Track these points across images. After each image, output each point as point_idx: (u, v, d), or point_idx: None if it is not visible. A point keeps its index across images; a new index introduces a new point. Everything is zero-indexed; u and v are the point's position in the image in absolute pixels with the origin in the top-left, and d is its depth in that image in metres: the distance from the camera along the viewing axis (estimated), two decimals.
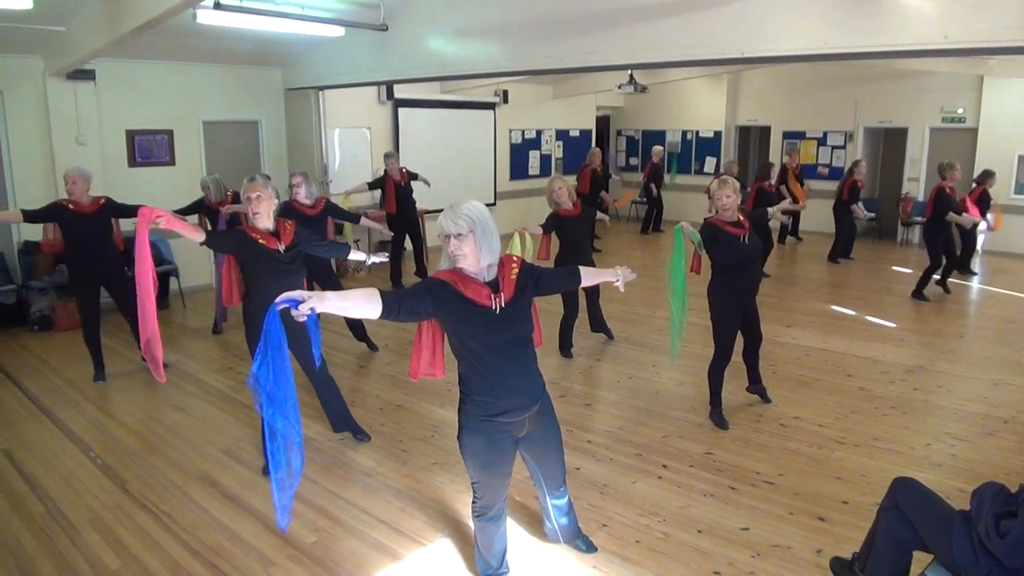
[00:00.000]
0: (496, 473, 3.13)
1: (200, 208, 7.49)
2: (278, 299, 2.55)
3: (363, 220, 7.02)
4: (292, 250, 4.50)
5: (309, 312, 2.53)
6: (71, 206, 5.95)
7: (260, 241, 4.39)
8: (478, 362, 2.94)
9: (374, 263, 5.10)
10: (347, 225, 8.15)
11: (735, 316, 5.25)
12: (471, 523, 3.90)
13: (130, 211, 6.07)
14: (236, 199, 7.06)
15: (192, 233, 4.47)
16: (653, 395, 5.94)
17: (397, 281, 9.65)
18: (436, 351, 3.12)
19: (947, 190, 8.52)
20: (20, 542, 3.86)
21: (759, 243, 5.29)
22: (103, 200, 6.12)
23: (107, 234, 6.17)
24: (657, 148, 14.41)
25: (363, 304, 2.71)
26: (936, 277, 8.97)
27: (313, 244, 4.68)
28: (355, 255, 5.05)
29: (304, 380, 6.03)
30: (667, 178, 14.88)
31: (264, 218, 4.45)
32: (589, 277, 3.47)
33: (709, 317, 5.32)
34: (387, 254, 5.50)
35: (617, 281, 3.44)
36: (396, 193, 9.32)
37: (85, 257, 6.07)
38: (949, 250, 8.89)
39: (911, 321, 7.97)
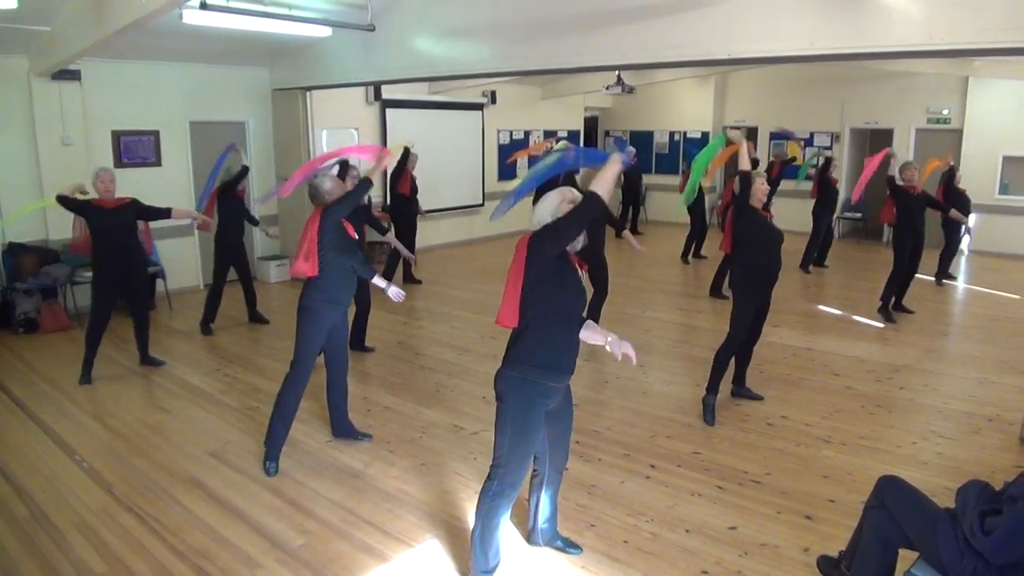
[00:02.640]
0: (531, 441, 3.22)
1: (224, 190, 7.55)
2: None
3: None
4: None
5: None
6: (93, 203, 6.04)
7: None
8: (561, 319, 3.16)
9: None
10: None
11: (754, 302, 5.36)
12: (468, 529, 3.90)
13: (160, 213, 6.31)
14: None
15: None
16: (641, 395, 5.95)
17: (389, 280, 9.59)
18: (516, 302, 3.16)
19: (903, 187, 8.03)
20: (4, 545, 3.83)
21: (781, 231, 5.44)
22: (128, 200, 6.20)
23: (132, 232, 6.26)
24: (630, 148, 14.42)
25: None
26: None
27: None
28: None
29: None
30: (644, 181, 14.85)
31: None
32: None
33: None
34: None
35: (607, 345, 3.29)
36: (408, 187, 9.39)
37: (112, 255, 6.13)
38: (915, 253, 8.18)
39: (899, 320, 8.01)
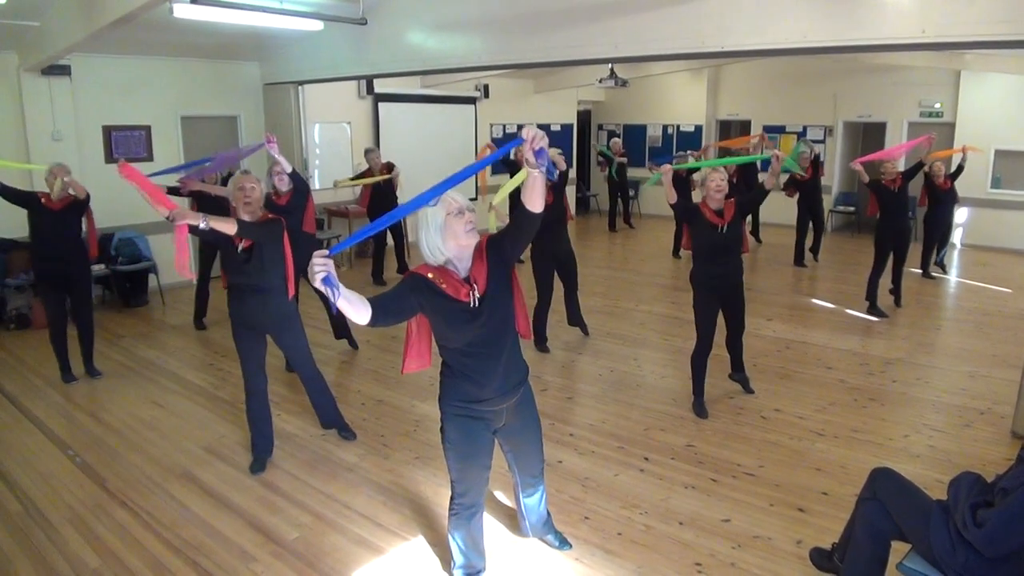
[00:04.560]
0: (475, 464, 3.11)
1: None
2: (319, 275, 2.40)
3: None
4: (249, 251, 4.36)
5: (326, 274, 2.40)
6: (42, 200, 5.89)
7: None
8: (460, 353, 2.93)
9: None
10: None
11: (711, 304, 5.32)
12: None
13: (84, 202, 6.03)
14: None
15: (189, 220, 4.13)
16: (635, 388, 5.96)
17: (379, 277, 9.62)
18: (423, 343, 3.06)
19: (882, 182, 7.91)
20: None
21: (738, 236, 5.32)
22: (70, 198, 6.00)
23: (75, 234, 6.08)
24: (615, 140, 14.43)
25: (360, 308, 2.61)
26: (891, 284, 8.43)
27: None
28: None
29: (286, 376, 6.05)
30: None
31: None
32: (532, 194, 2.72)
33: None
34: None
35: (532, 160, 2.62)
36: (375, 188, 9.28)
37: (50, 256, 5.99)
38: (899, 251, 8.13)
39: (890, 314, 8.03)
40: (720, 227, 5.12)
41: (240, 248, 4.33)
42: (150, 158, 9.10)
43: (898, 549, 3.02)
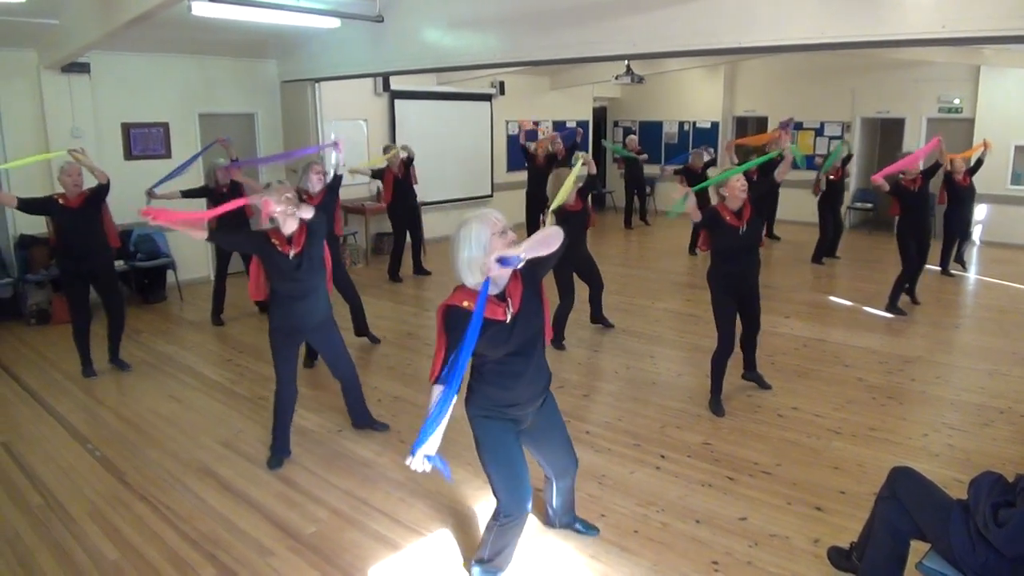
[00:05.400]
0: (512, 466, 3.11)
1: (205, 193, 7.46)
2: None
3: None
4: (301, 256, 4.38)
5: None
6: (60, 200, 5.94)
7: (276, 244, 4.35)
8: (494, 363, 3.00)
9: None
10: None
11: (729, 303, 5.31)
12: (478, 518, 3.92)
13: (102, 188, 6.08)
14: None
15: (194, 230, 4.32)
16: (651, 385, 5.95)
17: (395, 275, 9.65)
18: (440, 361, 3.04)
19: (902, 184, 7.84)
20: (19, 534, 3.87)
21: (758, 234, 5.31)
22: (87, 192, 6.05)
23: (97, 228, 6.12)
24: (631, 137, 14.38)
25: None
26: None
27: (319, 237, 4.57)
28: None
29: (305, 373, 6.07)
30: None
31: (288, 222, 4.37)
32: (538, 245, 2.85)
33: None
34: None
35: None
36: (395, 185, 9.32)
37: (76, 254, 6.04)
38: (921, 250, 8.02)
39: (909, 312, 7.98)
40: (740, 228, 5.15)
41: (292, 255, 4.34)
42: (168, 155, 9.16)
43: (917, 548, 3.00)
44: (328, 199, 6.36)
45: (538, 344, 3.07)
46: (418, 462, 2.62)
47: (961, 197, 9.20)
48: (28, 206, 5.89)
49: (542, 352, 3.13)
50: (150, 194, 7.02)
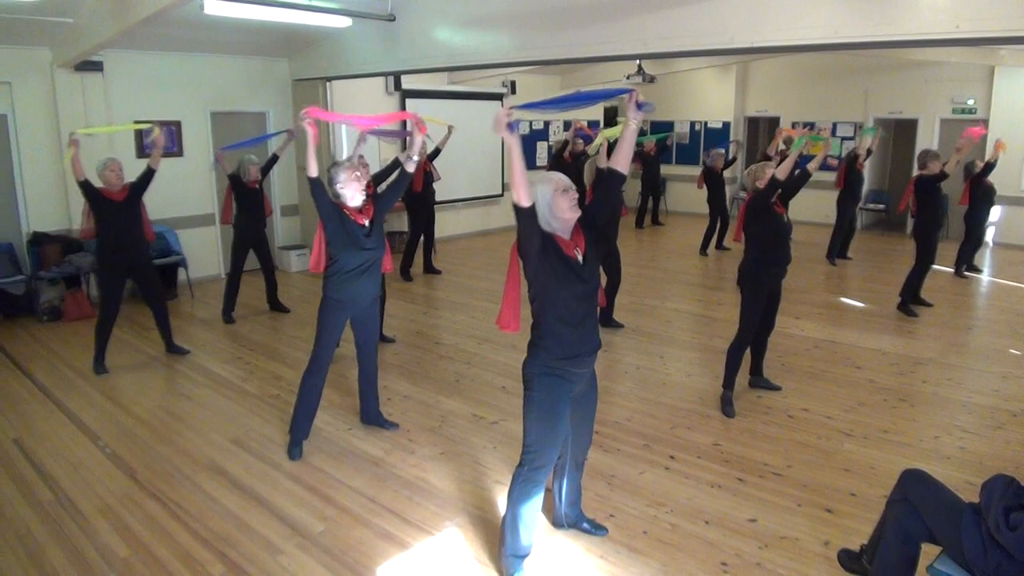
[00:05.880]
0: (558, 424, 3.23)
1: (233, 183, 7.50)
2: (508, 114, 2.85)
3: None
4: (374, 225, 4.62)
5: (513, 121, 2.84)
6: (104, 194, 6.07)
7: (347, 213, 4.52)
8: (564, 309, 3.12)
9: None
10: None
11: (762, 294, 5.31)
12: (487, 517, 3.92)
13: (146, 176, 6.26)
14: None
15: (312, 159, 4.43)
16: (661, 386, 5.93)
17: (406, 274, 9.66)
18: (517, 306, 3.25)
19: (926, 177, 7.69)
20: (30, 530, 3.89)
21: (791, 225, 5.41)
22: (128, 186, 6.20)
23: (139, 221, 6.28)
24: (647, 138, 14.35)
25: (524, 183, 2.91)
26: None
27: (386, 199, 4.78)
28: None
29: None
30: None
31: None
32: (624, 148, 3.18)
33: (739, 293, 5.42)
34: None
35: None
36: (422, 177, 9.32)
37: (118, 247, 6.17)
38: (930, 246, 7.90)
39: (921, 313, 7.93)
40: (784, 215, 5.26)
41: (368, 223, 4.55)
42: (180, 153, 9.21)
43: (928, 552, 2.98)
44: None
45: (595, 297, 3.23)
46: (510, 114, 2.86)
47: (987, 198, 9.20)
48: (86, 188, 5.98)
49: (596, 310, 3.30)
50: (219, 154, 7.43)
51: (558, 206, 3.04)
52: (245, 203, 7.53)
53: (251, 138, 8.03)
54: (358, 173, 4.53)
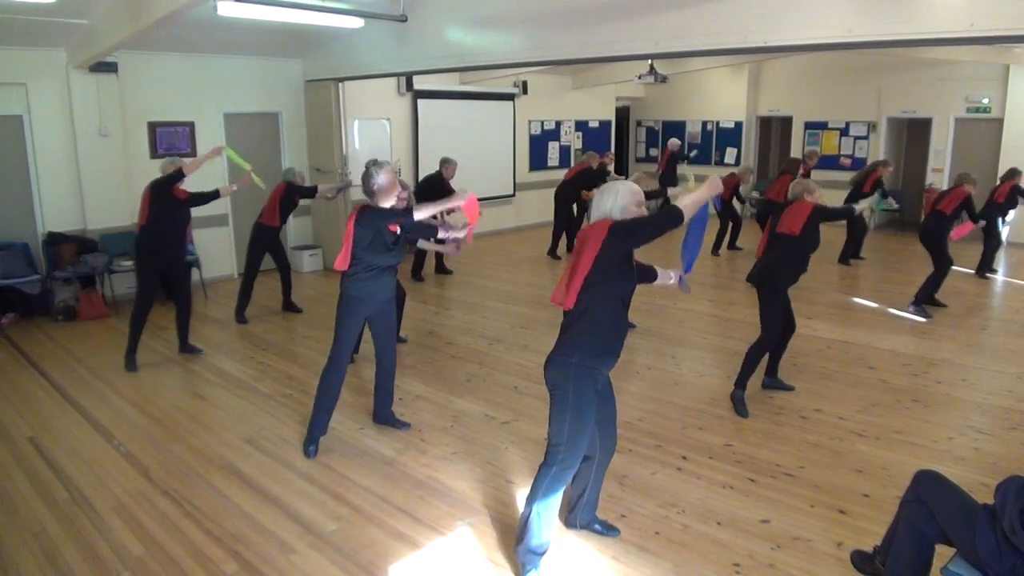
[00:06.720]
0: (587, 423, 3.31)
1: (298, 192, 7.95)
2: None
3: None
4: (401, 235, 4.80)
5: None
6: (172, 192, 6.32)
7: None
8: (616, 308, 3.30)
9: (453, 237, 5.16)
10: None
11: (786, 297, 5.42)
12: (498, 517, 3.92)
13: (209, 196, 6.55)
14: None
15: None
16: (673, 386, 5.92)
17: (417, 275, 9.68)
18: (577, 285, 3.29)
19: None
20: (45, 528, 3.92)
21: None
22: (188, 195, 6.41)
23: (186, 224, 6.61)
24: (674, 140, 14.26)
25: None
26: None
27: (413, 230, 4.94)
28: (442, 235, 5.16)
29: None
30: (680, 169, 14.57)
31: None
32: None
33: (755, 294, 5.50)
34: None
35: None
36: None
37: (167, 244, 6.41)
38: (947, 251, 8.07)
39: (934, 314, 7.89)
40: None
41: (398, 232, 4.73)
42: (194, 154, 9.24)
43: (942, 553, 2.96)
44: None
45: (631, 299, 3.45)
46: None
47: (1013, 201, 9.24)
48: (173, 180, 6.28)
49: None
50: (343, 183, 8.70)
51: (629, 213, 3.28)
52: (285, 209, 7.87)
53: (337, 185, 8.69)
54: (399, 190, 4.84)
